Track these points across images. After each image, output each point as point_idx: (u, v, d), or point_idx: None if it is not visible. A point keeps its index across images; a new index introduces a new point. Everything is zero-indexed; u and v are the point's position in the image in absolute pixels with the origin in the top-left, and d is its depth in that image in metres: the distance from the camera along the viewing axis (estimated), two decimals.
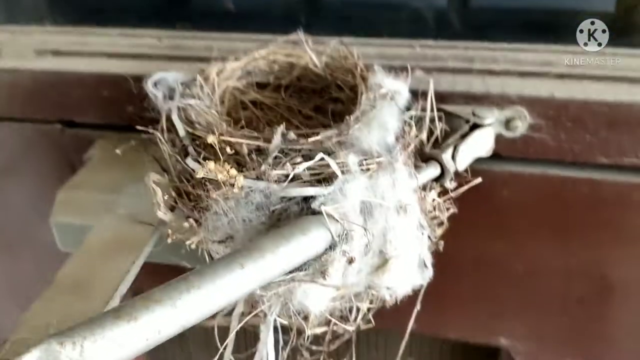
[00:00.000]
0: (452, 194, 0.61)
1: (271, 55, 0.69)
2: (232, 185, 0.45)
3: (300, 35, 0.69)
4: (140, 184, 0.56)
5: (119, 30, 0.83)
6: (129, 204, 0.55)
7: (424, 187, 0.57)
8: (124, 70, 0.77)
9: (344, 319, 0.55)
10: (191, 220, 0.49)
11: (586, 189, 0.68)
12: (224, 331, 0.54)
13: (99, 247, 0.49)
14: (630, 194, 0.67)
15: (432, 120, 0.62)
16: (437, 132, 0.61)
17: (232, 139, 0.51)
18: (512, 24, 0.74)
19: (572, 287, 0.76)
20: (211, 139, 0.48)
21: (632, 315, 0.76)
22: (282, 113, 0.71)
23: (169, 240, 0.50)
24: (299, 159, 0.49)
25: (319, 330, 0.56)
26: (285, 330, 0.57)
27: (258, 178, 0.49)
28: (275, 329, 0.55)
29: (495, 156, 0.68)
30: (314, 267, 0.47)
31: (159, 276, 0.41)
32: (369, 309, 0.55)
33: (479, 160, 0.65)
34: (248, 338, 0.67)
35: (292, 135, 0.52)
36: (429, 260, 0.54)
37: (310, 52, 0.68)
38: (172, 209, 0.51)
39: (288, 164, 0.49)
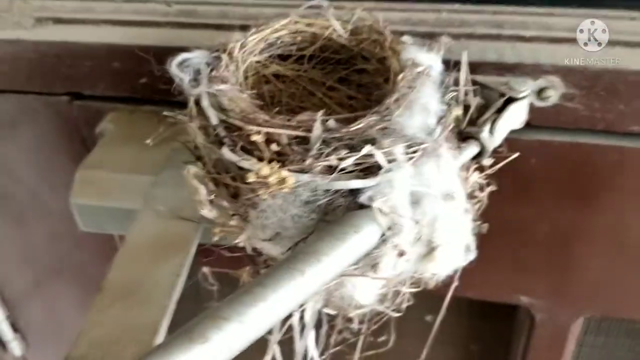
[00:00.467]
0: (489, 171, 0.60)
1: (292, 25, 0.66)
2: (282, 184, 0.43)
3: (321, 1, 0.66)
4: (172, 171, 0.54)
5: None
6: (166, 197, 0.53)
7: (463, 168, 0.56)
8: (134, 40, 0.73)
9: (383, 301, 0.55)
10: (237, 217, 0.48)
11: (616, 155, 0.68)
12: None
13: (143, 247, 0.48)
14: None
15: (465, 94, 0.61)
16: (473, 108, 0.59)
17: (272, 130, 0.49)
18: None
19: (595, 248, 0.77)
20: (255, 137, 0.46)
21: None
22: (304, 85, 0.69)
23: (215, 239, 0.49)
24: (344, 151, 0.48)
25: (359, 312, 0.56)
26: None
27: (302, 171, 0.47)
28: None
29: (525, 125, 0.67)
30: (365, 262, 0.46)
31: None
32: (410, 292, 0.55)
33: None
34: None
35: (332, 122, 0.50)
36: (472, 243, 0.53)
37: (334, 21, 0.65)
38: (210, 201, 0.49)
39: (333, 156, 0.47)
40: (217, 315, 0.35)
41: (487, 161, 0.59)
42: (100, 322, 0.41)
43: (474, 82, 0.63)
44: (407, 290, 0.53)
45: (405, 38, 0.64)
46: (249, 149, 0.50)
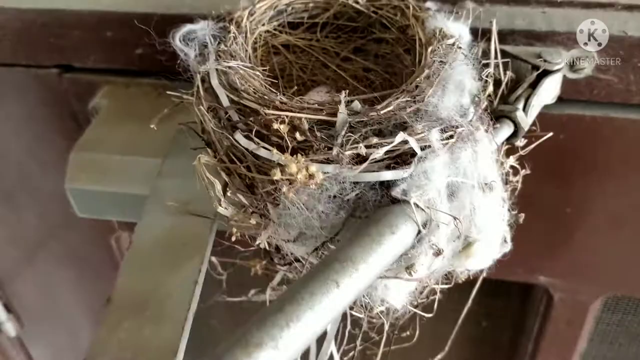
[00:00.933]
0: (522, 152, 0.55)
1: None
2: (309, 180, 0.38)
3: None
4: (178, 158, 0.49)
5: None
6: (175, 189, 0.48)
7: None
8: (129, 7, 0.67)
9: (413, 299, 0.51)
10: (257, 216, 0.43)
11: None
12: None
13: (153, 250, 0.43)
14: None
15: (496, 67, 0.56)
16: (504, 83, 0.54)
17: (292, 114, 0.44)
18: None
19: (620, 227, 0.73)
20: (277, 125, 0.41)
21: None
22: (317, 56, 0.63)
23: (233, 239, 0.44)
24: (374, 139, 0.42)
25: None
26: None
27: (329, 161, 0.42)
28: None
29: None
30: (399, 263, 0.42)
31: None
32: (441, 289, 0.50)
33: None
34: None
35: (358, 105, 0.45)
36: (508, 235, 0.49)
37: None
38: (223, 192, 0.44)
39: (362, 144, 0.42)
40: (247, 341, 0.31)
41: (520, 141, 0.54)
42: (109, 343, 0.36)
43: (503, 53, 0.58)
44: (439, 286, 0.49)
45: (430, 4, 0.58)
46: (265, 134, 0.45)
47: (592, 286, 0.81)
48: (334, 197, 0.42)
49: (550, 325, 0.86)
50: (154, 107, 0.69)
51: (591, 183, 0.70)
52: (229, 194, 0.43)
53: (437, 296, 0.50)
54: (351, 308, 0.49)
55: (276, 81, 0.61)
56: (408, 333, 0.58)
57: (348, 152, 0.42)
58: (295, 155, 0.40)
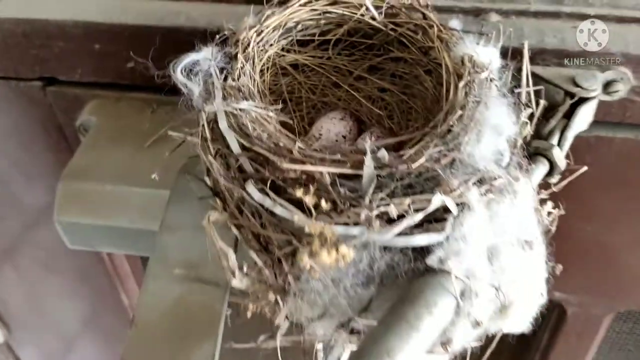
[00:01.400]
0: (555, 188, 0.51)
1: (315, 4, 0.54)
2: (339, 260, 0.34)
3: None
4: (183, 205, 0.44)
5: None
6: (180, 248, 0.43)
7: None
8: (118, 17, 0.61)
9: None
10: (275, 290, 0.38)
11: None
12: None
13: (159, 329, 0.38)
14: None
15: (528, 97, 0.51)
16: (538, 114, 0.50)
17: (312, 169, 0.39)
18: None
19: (635, 247, 0.70)
20: (301, 193, 0.36)
21: None
22: (328, 75, 0.58)
23: (249, 314, 0.39)
24: (407, 201, 0.38)
25: None
26: None
27: (356, 224, 0.38)
28: None
29: None
30: (435, 340, 0.38)
31: None
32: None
33: None
34: None
35: (385, 155, 0.40)
36: (545, 290, 0.45)
37: None
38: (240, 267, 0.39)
39: (392, 205, 0.38)
40: None
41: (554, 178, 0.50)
42: None
43: (535, 77, 0.53)
44: (472, 345, 0.45)
45: (454, 23, 0.53)
46: (281, 186, 0.40)
47: (607, 301, 0.78)
48: (363, 268, 0.37)
49: (560, 337, 0.84)
50: (148, 125, 0.63)
51: (616, 203, 0.66)
52: (243, 265, 0.39)
53: (468, 356, 0.46)
54: None
55: (285, 105, 0.56)
56: None
57: (377, 213, 0.38)
58: (319, 220, 0.35)
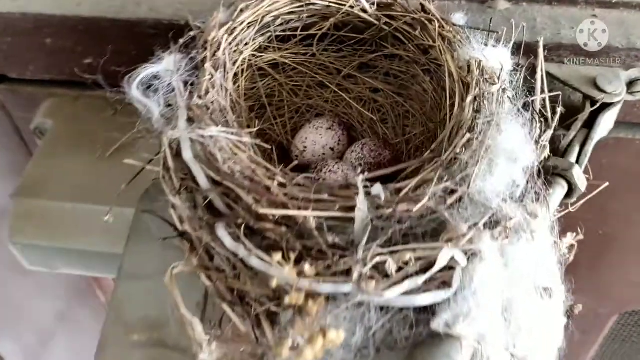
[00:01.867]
0: (572, 209, 0.45)
1: None
2: (329, 344, 0.28)
3: None
4: (141, 249, 0.38)
5: None
6: (139, 303, 0.36)
7: None
8: (73, 10, 0.53)
9: None
10: (254, 357, 0.32)
11: None
12: None
13: None
14: None
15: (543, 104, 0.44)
16: (554, 125, 0.43)
17: (295, 213, 0.33)
18: None
19: None
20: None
21: None
22: (313, 75, 0.51)
23: None
24: (407, 255, 0.32)
25: None
26: None
27: (343, 280, 0.31)
28: None
29: None
30: None
31: None
32: None
33: None
34: None
35: (381, 192, 0.34)
36: (562, 339, 0.40)
37: None
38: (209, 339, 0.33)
39: (390, 260, 0.32)
40: None
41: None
42: None
43: (550, 78, 0.46)
44: None
45: (458, 17, 0.46)
46: (257, 228, 0.34)
47: (615, 302, 0.74)
48: (355, 334, 0.31)
49: (565, 335, 0.79)
50: (108, 129, 0.56)
51: (632, 207, 0.60)
52: (212, 336, 0.32)
53: None
54: None
55: (264, 111, 0.49)
56: None
57: (371, 267, 0.32)
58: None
